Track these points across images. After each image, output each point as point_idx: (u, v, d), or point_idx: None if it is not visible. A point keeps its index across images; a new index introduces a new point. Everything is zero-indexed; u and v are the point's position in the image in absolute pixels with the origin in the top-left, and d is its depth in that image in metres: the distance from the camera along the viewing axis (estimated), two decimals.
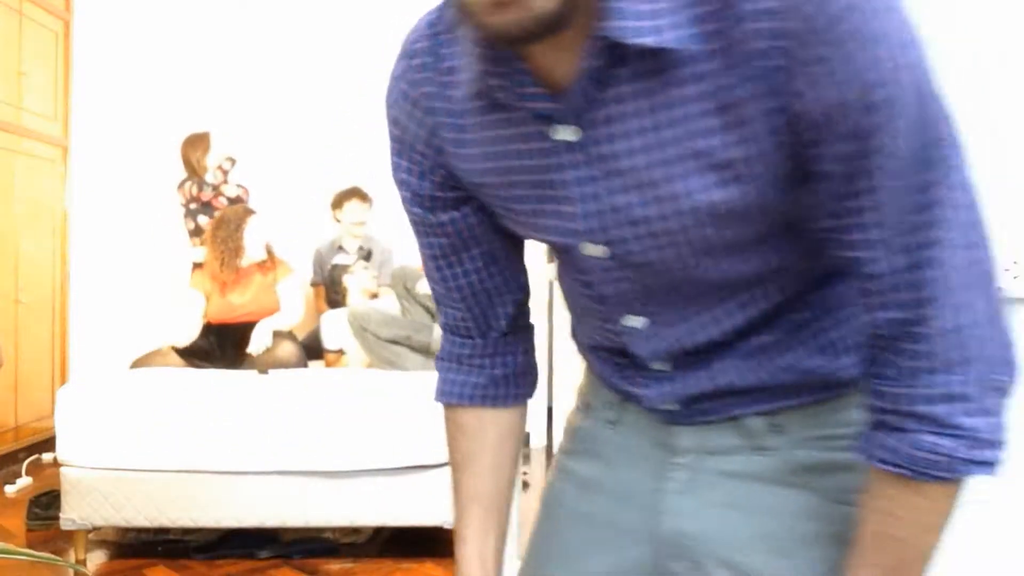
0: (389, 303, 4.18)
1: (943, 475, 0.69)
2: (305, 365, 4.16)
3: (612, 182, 0.73)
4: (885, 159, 0.64)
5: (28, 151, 4.88)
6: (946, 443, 0.68)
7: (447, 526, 3.14)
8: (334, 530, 3.41)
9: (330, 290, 4.78)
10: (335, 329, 4.40)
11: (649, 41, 0.65)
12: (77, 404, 3.25)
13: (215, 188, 4.83)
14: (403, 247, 4.60)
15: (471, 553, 0.95)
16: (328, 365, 4.40)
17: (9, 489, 4.14)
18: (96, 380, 3.59)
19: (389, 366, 3.80)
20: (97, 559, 3.30)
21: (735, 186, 0.69)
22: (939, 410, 0.68)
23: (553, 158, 0.75)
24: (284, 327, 4.24)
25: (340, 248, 4.81)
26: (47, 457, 4.41)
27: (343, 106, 5.21)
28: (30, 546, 3.33)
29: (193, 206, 4.84)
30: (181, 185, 4.87)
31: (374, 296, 4.48)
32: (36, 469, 4.37)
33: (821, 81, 0.63)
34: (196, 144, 4.88)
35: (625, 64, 0.68)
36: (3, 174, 4.62)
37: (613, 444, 0.92)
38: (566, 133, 0.73)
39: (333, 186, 4.88)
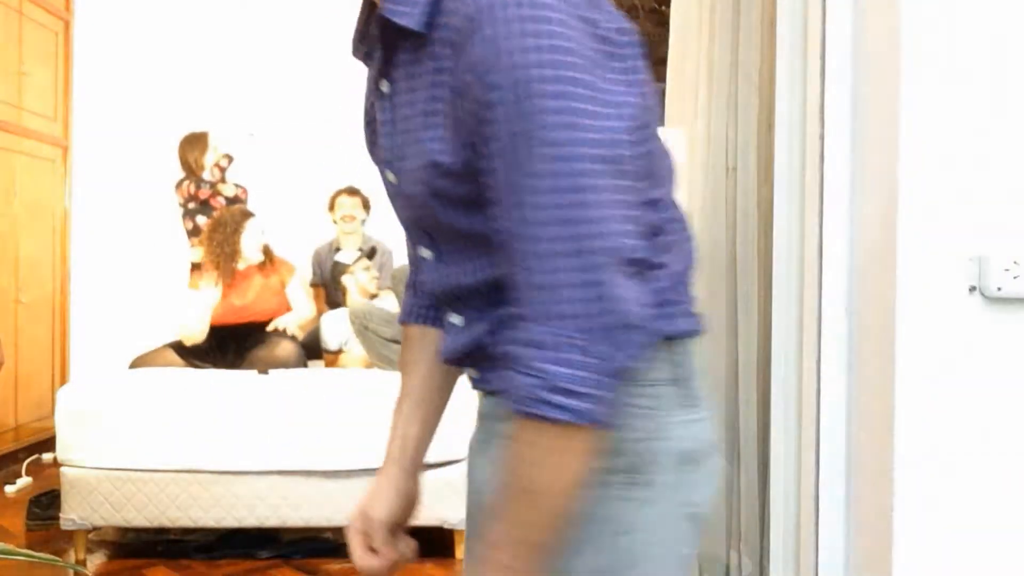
0: (388, 303, 4.18)
1: (522, 408, 0.82)
2: (305, 365, 4.17)
3: (396, 125, 0.94)
4: (493, 134, 0.82)
5: (28, 151, 4.88)
6: (523, 380, 0.81)
7: (447, 526, 3.15)
8: (334, 530, 3.41)
9: (331, 290, 4.79)
10: (335, 329, 4.40)
11: (402, 22, 0.87)
12: (77, 404, 3.25)
13: (213, 186, 4.83)
14: (404, 249, 4.59)
15: (396, 434, 1.15)
16: (328, 366, 4.40)
17: (9, 489, 4.14)
18: (96, 380, 3.59)
19: (390, 365, 3.80)
20: (97, 559, 3.30)
21: (446, 143, 0.87)
22: (523, 352, 0.81)
23: (379, 104, 0.97)
24: (300, 323, 4.27)
25: (338, 248, 4.82)
26: (47, 457, 4.41)
27: (341, 106, 5.20)
28: (30, 546, 3.33)
29: (192, 205, 4.84)
30: (179, 185, 4.88)
31: (373, 297, 4.48)
32: (36, 469, 4.37)
33: (463, 65, 0.83)
34: (194, 144, 4.89)
35: (404, 39, 0.89)
36: (3, 174, 4.62)
37: (477, 410, 1.09)
38: (384, 86, 0.95)
39: (331, 186, 4.88)
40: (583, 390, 0.80)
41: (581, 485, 0.85)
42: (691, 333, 0.95)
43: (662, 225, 0.92)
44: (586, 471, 0.84)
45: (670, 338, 0.91)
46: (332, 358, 4.42)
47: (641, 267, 0.84)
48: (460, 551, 3.05)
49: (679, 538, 0.94)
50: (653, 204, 0.91)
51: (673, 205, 0.96)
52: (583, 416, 0.80)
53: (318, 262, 4.89)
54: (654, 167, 0.92)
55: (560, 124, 0.79)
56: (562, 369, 0.79)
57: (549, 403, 0.80)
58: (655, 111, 0.94)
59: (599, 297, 0.80)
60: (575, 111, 0.80)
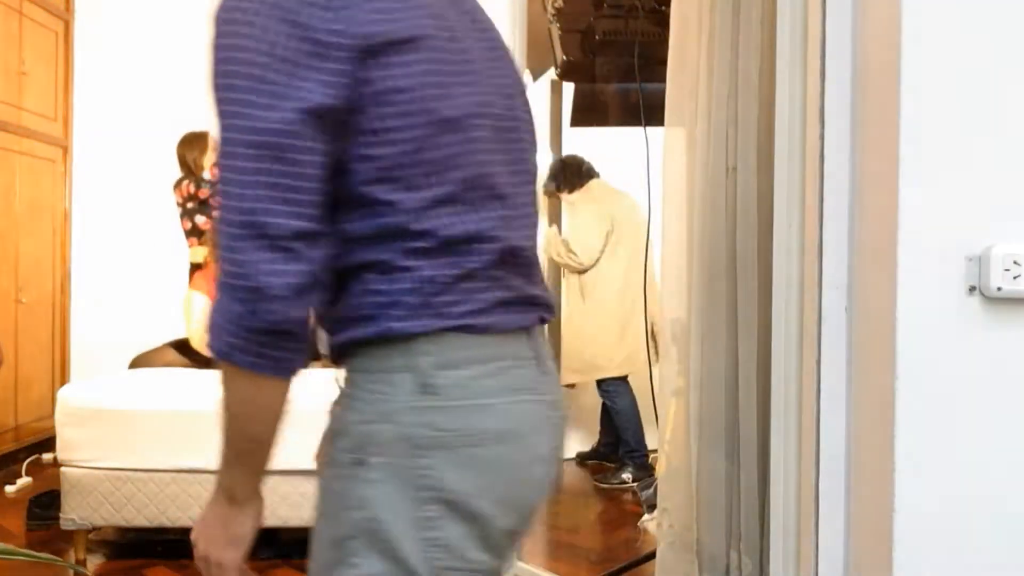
0: None
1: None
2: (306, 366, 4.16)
3: None
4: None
5: (28, 151, 4.88)
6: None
7: None
8: None
9: None
10: None
11: None
12: (77, 404, 3.25)
13: (213, 186, 4.82)
14: None
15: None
16: (325, 366, 4.39)
17: (9, 489, 4.14)
18: (96, 380, 3.59)
19: None
20: (97, 559, 3.30)
21: None
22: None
23: None
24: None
25: None
26: (47, 457, 4.41)
27: None
28: (30, 546, 3.33)
29: (190, 205, 4.83)
30: (178, 184, 4.87)
31: None
32: (36, 469, 4.37)
33: None
34: (194, 143, 4.87)
35: None
36: (3, 174, 4.62)
37: None
38: None
39: None
40: (217, 332, 0.95)
41: (254, 416, 1.05)
42: (436, 330, 1.01)
43: (420, 232, 0.98)
44: (251, 404, 1.03)
45: (410, 334, 1.00)
46: (327, 360, 4.42)
47: (296, 245, 0.93)
48: None
49: (420, 521, 0.98)
50: (392, 206, 0.98)
51: (446, 215, 0.99)
52: (218, 354, 0.96)
53: None
54: (405, 172, 0.97)
55: (226, 112, 0.94)
56: (212, 313, 0.95)
57: (207, 339, 0.96)
58: (418, 116, 0.96)
59: (234, 262, 0.92)
60: (239, 101, 0.92)
